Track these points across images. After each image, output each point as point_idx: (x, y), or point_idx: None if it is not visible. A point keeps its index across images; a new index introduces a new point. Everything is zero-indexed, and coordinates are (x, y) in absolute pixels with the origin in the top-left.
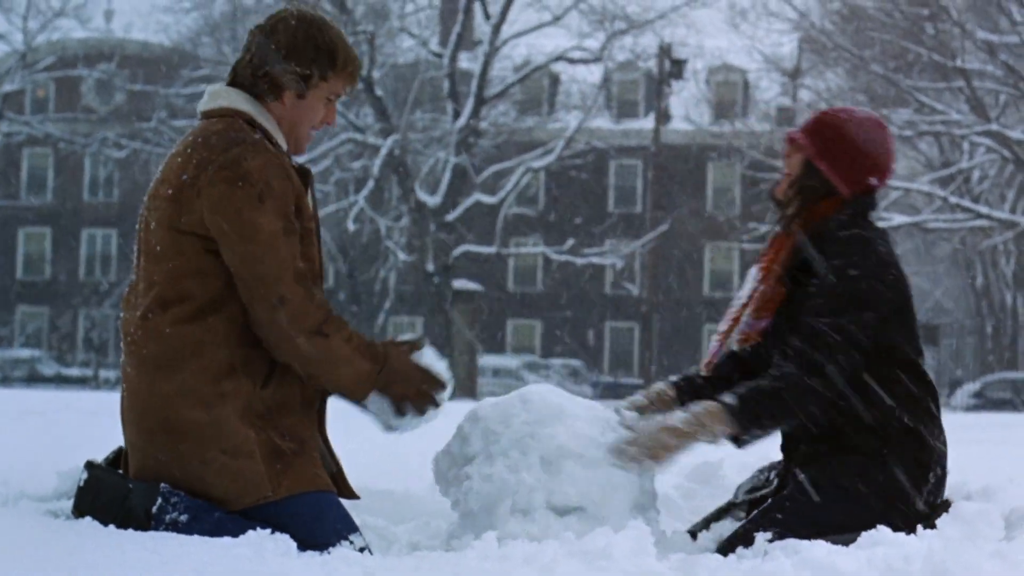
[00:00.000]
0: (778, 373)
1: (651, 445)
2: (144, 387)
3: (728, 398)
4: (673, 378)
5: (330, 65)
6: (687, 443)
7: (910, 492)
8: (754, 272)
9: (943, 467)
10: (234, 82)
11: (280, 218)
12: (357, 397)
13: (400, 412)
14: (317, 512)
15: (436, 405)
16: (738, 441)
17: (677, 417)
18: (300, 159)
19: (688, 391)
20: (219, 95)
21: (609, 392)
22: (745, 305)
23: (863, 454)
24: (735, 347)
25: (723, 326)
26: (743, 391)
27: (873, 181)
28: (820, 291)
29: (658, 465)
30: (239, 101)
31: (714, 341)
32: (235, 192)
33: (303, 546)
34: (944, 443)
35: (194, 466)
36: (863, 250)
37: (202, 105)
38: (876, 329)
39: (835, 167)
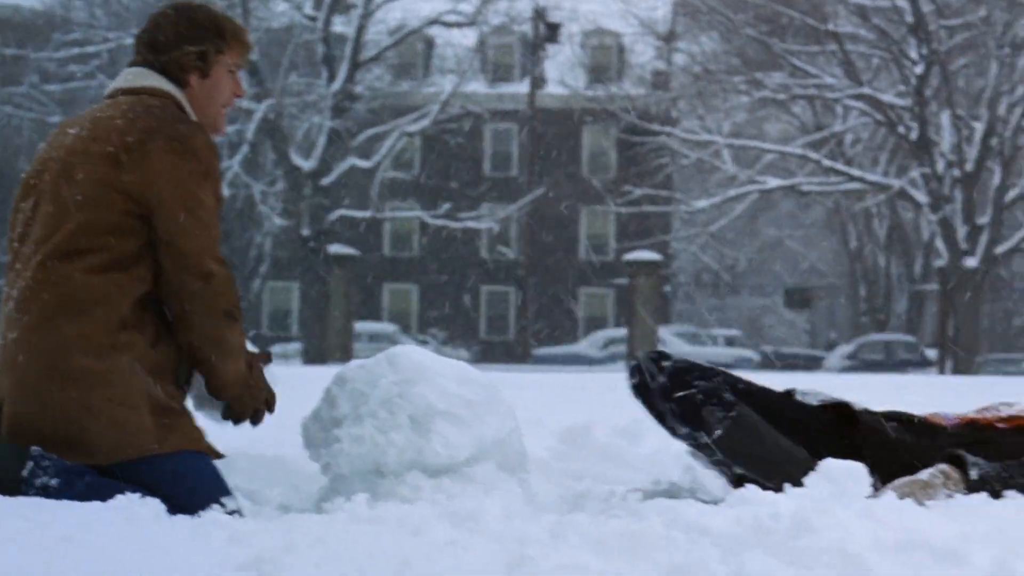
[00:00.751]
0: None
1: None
2: (44, 330)
3: (974, 473)
4: None
5: (220, 37)
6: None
7: None
8: None
9: None
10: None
11: (216, 198)
12: (231, 392)
13: (227, 417)
14: (195, 472)
15: (259, 423)
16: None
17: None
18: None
19: None
20: (144, 76)
21: (487, 356)
22: None
23: None
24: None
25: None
26: (983, 470)
27: None
28: None
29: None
30: (165, 84)
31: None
32: (184, 165)
33: (177, 506)
34: None
35: (79, 414)
36: None
37: (123, 83)
38: None
39: None
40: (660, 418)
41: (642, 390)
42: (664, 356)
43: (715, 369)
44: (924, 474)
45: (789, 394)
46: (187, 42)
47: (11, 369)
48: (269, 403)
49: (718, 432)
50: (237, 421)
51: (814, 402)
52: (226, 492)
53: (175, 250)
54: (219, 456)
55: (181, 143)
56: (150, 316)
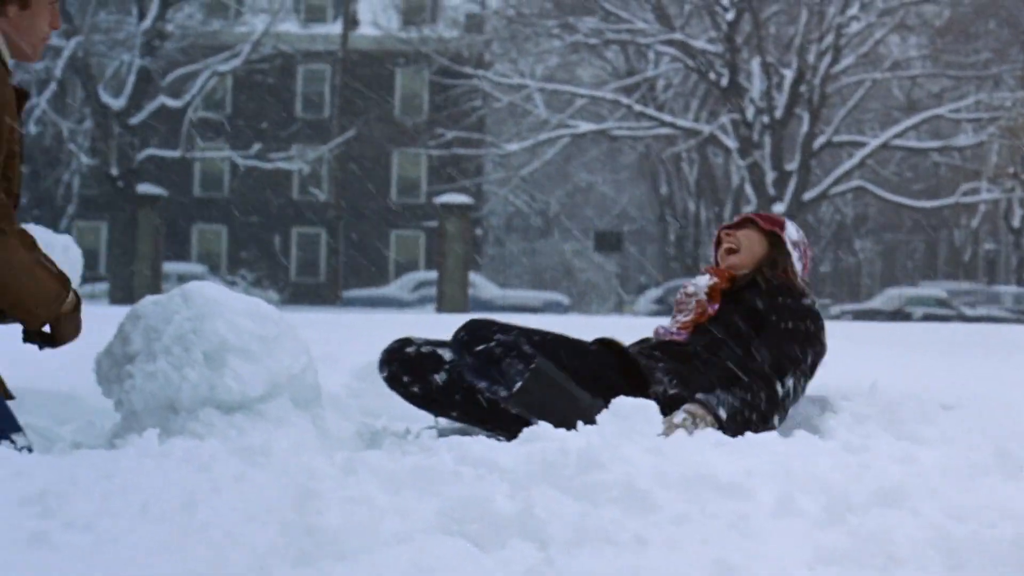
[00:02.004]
0: (758, 396)
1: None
2: None
3: (722, 412)
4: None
5: None
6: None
7: None
8: (707, 278)
9: None
10: None
11: None
12: (39, 316)
13: (54, 344)
14: None
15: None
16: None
17: (679, 418)
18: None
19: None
20: None
21: (296, 298)
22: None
23: None
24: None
25: (683, 317)
26: (730, 407)
27: (802, 267)
28: (785, 315)
29: None
30: None
31: (673, 324)
32: None
33: None
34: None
35: None
36: (821, 326)
37: None
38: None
39: (787, 238)
40: (418, 401)
41: (395, 383)
42: (407, 344)
43: (510, 325)
44: (676, 417)
45: (576, 340)
46: None
47: None
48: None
49: (518, 383)
50: (55, 344)
51: (589, 342)
52: (16, 428)
53: None
54: (9, 396)
55: None
56: None
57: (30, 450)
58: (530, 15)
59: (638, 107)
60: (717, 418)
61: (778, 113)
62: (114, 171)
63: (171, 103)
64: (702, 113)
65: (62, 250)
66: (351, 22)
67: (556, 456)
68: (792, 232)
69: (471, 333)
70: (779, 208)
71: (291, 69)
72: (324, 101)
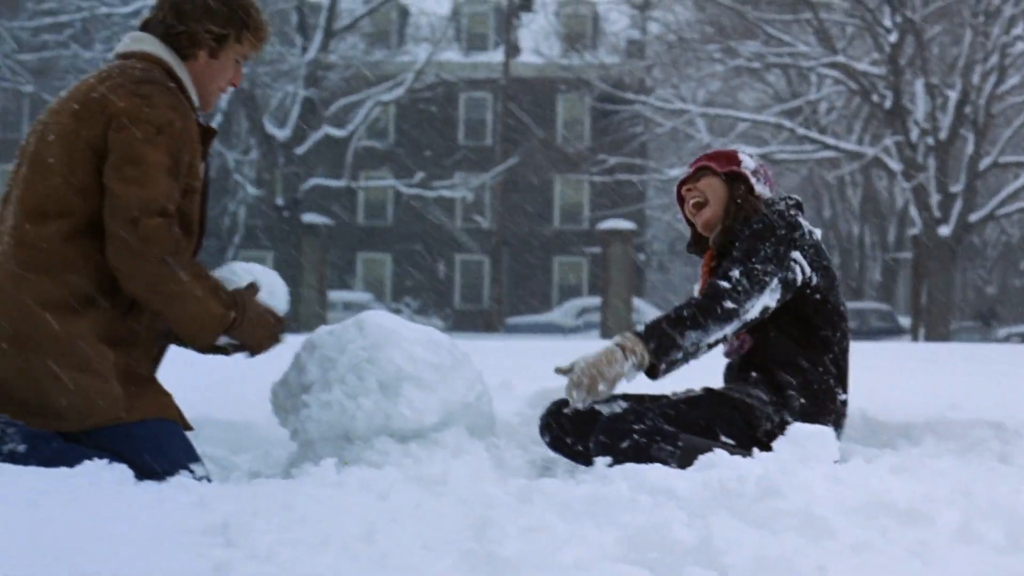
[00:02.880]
0: (687, 303)
1: (589, 375)
2: (13, 293)
3: (640, 327)
4: None
5: (244, 27)
6: (617, 368)
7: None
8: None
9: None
10: (148, 32)
11: (168, 156)
12: (203, 340)
13: (252, 354)
14: (163, 439)
15: (280, 342)
16: (654, 371)
17: (602, 349)
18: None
19: None
20: (142, 40)
21: (460, 325)
22: None
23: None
24: None
25: None
26: (653, 321)
27: (767, 188)
28: (740, 243)
29: (603, 391)
30: (160, 50)
31: None
32: (139, 117)
33: (144, 472)
34: (836, 415)
35: (46, 381)
36: (780, 223)
37: (121, 47)
38: (786, 281)
39: (747, 171)
40: (585, 459)
41: (559, 446)
42: (563, 405)
43: (642, 407)
44: (611, 344)
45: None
46: (212, 21)
47: None
48: (279, 323)
49: (673, 465)
50: (252, 353)
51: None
52: (195, 459)
53: (110, 196)
54: (188, 427)
55: (141, 99)
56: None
57: (209, 480)
58: (691, 40)
59: (801, 130)
60: (636, 334)
61: (943, 135)
62: (279, 201)
63: (335, 133)
64: (865, 136)
65: (268, 287)
66: (513, 49)
67: (733, 483)
68: (748, 163)
69: (610, 434)
70: (944, 230)
71: (453, 97)
72: (486, 128)
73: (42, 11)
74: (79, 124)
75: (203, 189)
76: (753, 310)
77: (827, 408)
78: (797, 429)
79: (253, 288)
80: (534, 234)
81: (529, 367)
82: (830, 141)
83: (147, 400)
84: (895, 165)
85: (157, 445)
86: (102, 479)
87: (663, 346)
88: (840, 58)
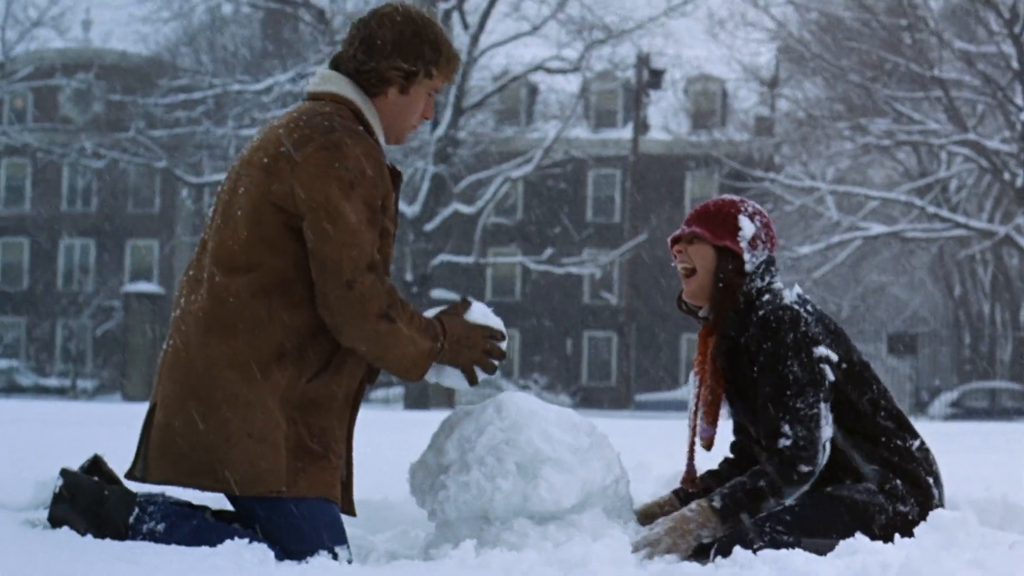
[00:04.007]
0: (762, 471)
1: (662, 543)
2: (195, 345)
3: (716, 500)
4: (676, 488)
5: (435, 61)
6: (694, 540)
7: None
8: (692, 378)
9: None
10: (338, 71)
11: (367, 208)
12: (415, 376)
13: (471, 379)
14: (318, 519)
15: (502, 356)
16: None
17: (676, 516)
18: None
19: (688, 499)
20: (329, 80)
21: (587, 401)
22: (695, 412)
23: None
24: (705, 450)
25: (688, 438)
26: (728, 491)
27: (767, 251)
28: (764, 380)
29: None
30: (348, 90)
31: (686, 454)
32: (330, 173)
33: (291, 549)
34: (925, 465)
35: (218, 442)
36: (783, 328)
37: (311, 86)
38: (828, 393)
39: (741, 244)
40: None
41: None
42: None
43: (759, 520)
44: (654, 529)
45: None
46: (402, 56)
47: (167, 378)
48: (494, 338)
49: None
50: (472, 379)
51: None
52: (342, 542)
53: (318, 261)
54: (352, 511)
55: (332, 151)
56: (313, 345)
57: (349, 562)
58: (821, 117)
59: (931, 208)
60: (713, 509)
61: None
62: (408, 276)
63: (464, 209)
64: (996, 213)
65: (479, 310)
66: (641, 126)
67: (876, 570)
68: (747, 229)
69: (729, 553)
70: None
71: (582, 174)
72: (614, 205)
73: (175, 88)
74: (268, 178)
75: (393, 228)
76: (824, 456)
77: (920, 474)
78: (938, 516)
79: (464, 304)
80: (662, 310)
81: (664, 447)
82: (960, 219)
83: (311, 478)
84: None
85: (310, 524)
86: (243, 559)
87: (737, 522)
88: (970, 136)
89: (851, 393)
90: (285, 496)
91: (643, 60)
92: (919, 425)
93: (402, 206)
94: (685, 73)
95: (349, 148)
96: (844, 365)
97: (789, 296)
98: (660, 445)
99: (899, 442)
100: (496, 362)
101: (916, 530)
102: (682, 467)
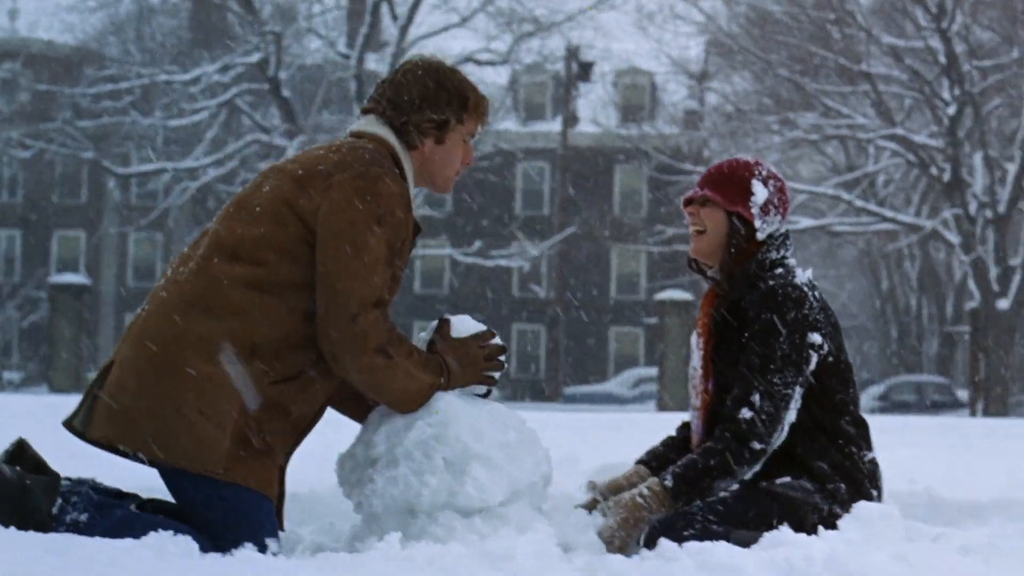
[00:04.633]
0: (713, 448)
1: (620, 539)
2: (170, 316)
3: (668, 480)
4: (645, 458)
5: (463, 108)
6: (644, 525)
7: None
8: (695, 340)
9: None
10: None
11: (387, 247)
12: (411, 408)
13: (489, 386)
14: (251, 510)
15: (503, 351)
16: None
17: (628, 503)
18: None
19: (659, 468)
20: (374, 124)
21: (516, 394)
22: (703, 377)
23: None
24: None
25: (696, 402)
26: (680, 470)
27: (779, 218)
28: (751, 347)
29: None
30: (390, 136)
31: (694, 419)
32: (361, 204)
33: (220, 535)
34: (872, 479)
35: (168, 412)
36: (788, 304)
37: (355, 126)
38: (806, 379)
39: (752, 210)
40: None
41: None
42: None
43: (690, 509)
44: (628, 495)
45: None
46: (431, 108)
47: (133, 341)
48: (488, 348)
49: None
50: (489, 385)
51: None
52: (272, 535)
53: (327, 288)
54: (279, 511)
55: (367, 183)
56: (289, 356)
57: (275, 555)
58: (749, 111)
59: (859, 202)
60: (665, 489)
61: (1001, 208)
62: None
63: None
64: (923, 208)
65: (456, 323)
66: (571, 119)
67: (800, 563)
68: (760, 194)
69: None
70: (1003, 304)
71: (511, 166)
72: (543, 198)
73: (102, 78)
74: (298, 190)
75: (402, 275)
76: (780, 437)
77: (865, 485)
78: (862, 508)
79: (445, 324)
80: (591, 304)
81: (591, 440)
82: (888, 213)
83: (248, 468)
84: (953, 238)
85: (242, 515)
86: (167, 551)
87: (691, 502)
88: (898, 130)
89: (829, 388)
90: (221, 479)
91: (572, 53)
92: None
93: None
94: (614, 66)
95: (385, 186)
96: (831, 359)
97: (801, 277)
98: (588, 438)
99: (854, 448)
100: (503, 359)
101: (840, 523)
102: (610, 459)
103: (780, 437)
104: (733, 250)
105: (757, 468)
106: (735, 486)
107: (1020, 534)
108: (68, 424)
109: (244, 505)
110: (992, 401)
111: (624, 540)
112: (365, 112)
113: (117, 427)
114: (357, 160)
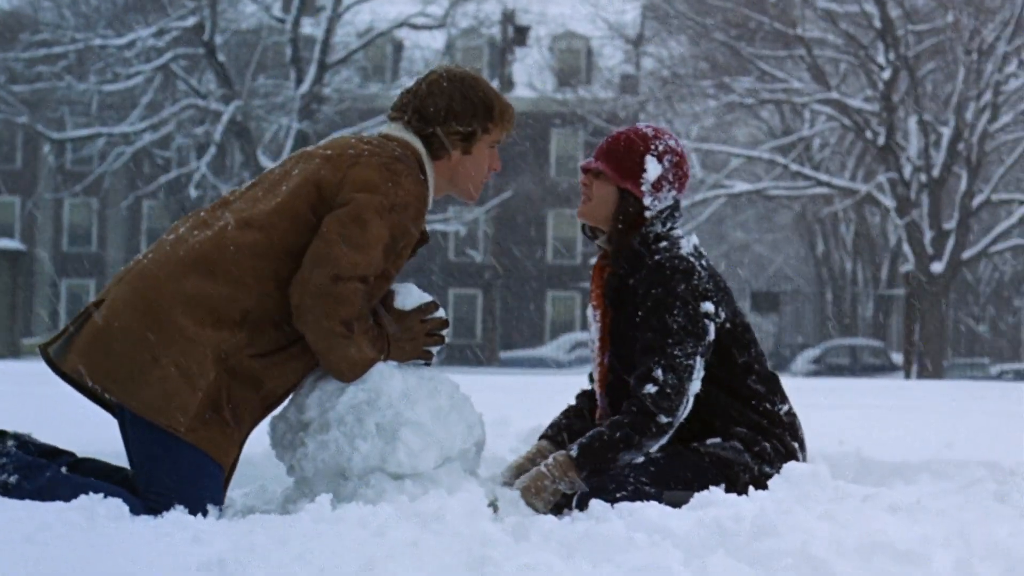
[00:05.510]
0: (620, 421)
1: (529, 503)
2: (171, 270)
3: (573, 450)
4: (549, 432)
5: (489, 117)
6: (548, 495)
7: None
8: (591, 313)
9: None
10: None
11: (390, 236)
12: (351, 379)
13: (427, 360)
14: (203, 473)
15: (445, 325)
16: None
17: (537, 474)
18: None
19: (563, 440)
20: (402, 130)
21: (452, 359)
22: (600, 350)
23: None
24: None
25: (595, 374)
26: (586, 441)
27: (674, 193)
28: (646, 324)
29: (542, 512)
30: (418, 144)
31: (596, 391)
32: (379, 188)
33: (165, 490)
34: (792, 430)
35: (145, 358)
36: (676, 277)
37: (384, 129)
38: (706, 349)
39: (643, 187)
40: None
41: None
42: None
43: (621, 472)
44: (536, 470)
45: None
46: (457, 119)
47: (127, 283)
48: (429, 321)
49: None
50: (427, 360)
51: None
52: (215, 502)
53: (322, 242)
54: (229, 473)
55: (391, 174)
56: (276, 330)
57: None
58: (685, 75)
59: (794, 166)
60: (570, 459)
61: (936, 171)
62: None
63: None
64: (859, 172)
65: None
66: (506, 84)
67: (730, 523)
68: (652, 171)
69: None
70: (937, 267)
71: None
72: None
73: (36, 42)
74: (325, 165)
75: (393, 275)
76: (685, 409)
77: (787, 439)
78: (792, 468)
79: (389, 295)
80: (527, 268)
81: (525, 403)
82: (823, 177)
83: (208, 433)
84: (888, 202)
85: (192, 478)
86: (97, 514)
87: (596, 472)
88: (833, 94)
89: (731, 353)
90: (180, 437)
91: (508, 17)
92: (783, 380)
93: (266, 161)
94: (550, 31)
95: (406, 182)
96: (728, 325)
97: (686, 247)
98: (521, 401)
99: (768, 406)
100: (443, 333)
101: (770, 483)
102: (542, 421)
103: (686, 409)
104: (620, 225)
105: (664, 441)
106: (662, 448)
107: (948, 493)
108: (43, 349)
109: (195, 467)
110: (926, 364)
111: (532, 507)
112: (392, 119)
113: (92, 363)
114: (385, 153)
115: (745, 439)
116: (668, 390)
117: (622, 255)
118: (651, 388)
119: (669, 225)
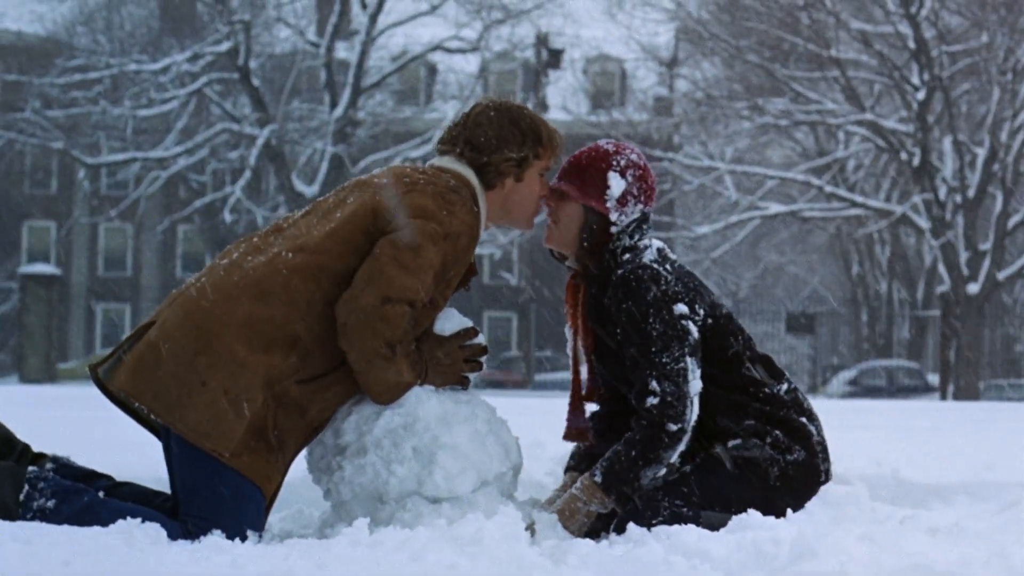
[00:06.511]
0: (633, 439)
1: (565, 526)
2: (224, 293)
3: (596, 475)
4: (571, 463)
5: (538, 143)
6: (585, 518)
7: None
8: (568, 331)
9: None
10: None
11: (441, 261)
12: (386, 401)
13: (464, 386)
14: (245, 499)
15: (484, 352)
16: (622, 503)
17: (570, 496)
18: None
19: (587, 465)
20: (457, 164)
21: (487, 382)
22: (575, 362)
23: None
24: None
25: (571, 392)
26: (607, 463)
27: (641, 206)
28: (628, 340)
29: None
30: (471, 176)
31: (568, 407)
32: (434, 215)
33: (205, 516)
34: (796, 406)
35: (194, 380)
36: (642, 286)
37: (436, 162)
38: (694, 348)
39: (608, 203)
40: None
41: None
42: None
43: (656, 496)
44: (568, 494)
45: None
46: (508, 147)
47: (179, 306)
48: (471, 352)
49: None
50: (464, 385)
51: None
52: (255, 528)
53: (374, 264)
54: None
55: (445, 204)
56: (325, 351)
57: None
58: (719, 97)
59: (829, 188)
60: (596, 484)
61: (971, 192)
62: None
63: None
64: (893, 193)
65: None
66: (540, 106)
67: (768, 546)
68: (616, 187)
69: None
70: (973, 288)
71: None
72: None
73: (71, 68)
74: (380, 192)
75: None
76: (692, 411)
77: (793, 417)
78: (830, 491)
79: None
80: (562, 291)
81: (560, 426)
82: (858, 199)
83: (251, 459)
84: (923, 223)
85: (234, 504)
86: (135, 538)
87: (623, 495)
88: (868, 116)
89: (719, 347)
90: (224, 462)
91: (542, 40)
92: (817, 403)
93: (301, 186)
94: (584, 53)
95: (460, 212)
96: (710, 320)
97: (649, 255)
98: (555, 423)
99: (767, 390)
100: (482, 359)
101: (808, 505)
102: (578, 446)
103: (693, 412)
104: (586, 244)
105: (682, 448)
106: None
107: (986, 514)
108: (92, 370)
109: (237, 493)
110: (962, 385)
111: (567, 529)
112: (441, 152)
113: (140, 384)
114: (440, 184)
115: (758, 431)
116: (669, 398)
117: (592, 273)
118: (652, 400)
119: (637, 237)
